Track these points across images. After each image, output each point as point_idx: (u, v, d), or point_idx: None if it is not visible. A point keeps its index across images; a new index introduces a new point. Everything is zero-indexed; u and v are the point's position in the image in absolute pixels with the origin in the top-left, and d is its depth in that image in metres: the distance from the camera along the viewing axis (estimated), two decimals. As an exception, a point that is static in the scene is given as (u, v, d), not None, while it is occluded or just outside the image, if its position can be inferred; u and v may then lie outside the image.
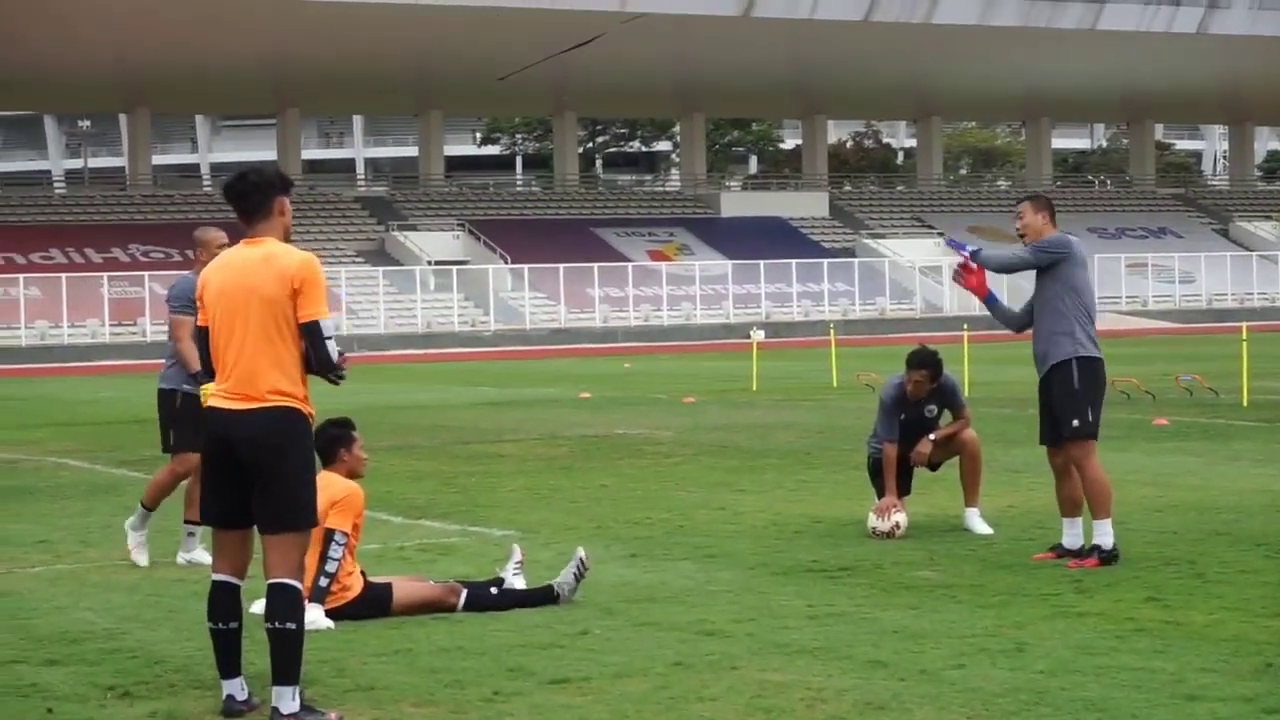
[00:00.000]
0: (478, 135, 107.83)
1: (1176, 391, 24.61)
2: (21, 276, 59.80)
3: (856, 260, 71.51)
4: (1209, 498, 13.24)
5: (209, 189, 78.01)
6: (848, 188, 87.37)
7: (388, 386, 32.66)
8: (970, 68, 72.92)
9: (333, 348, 6.96)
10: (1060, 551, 10.47)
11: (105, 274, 60.69)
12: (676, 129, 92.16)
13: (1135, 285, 73.23)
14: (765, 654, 7.97)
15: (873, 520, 11.61)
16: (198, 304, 7.19)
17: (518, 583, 9.47)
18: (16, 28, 56.87)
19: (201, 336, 7.16)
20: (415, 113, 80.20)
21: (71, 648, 8.46)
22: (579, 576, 9.38)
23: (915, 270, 70.47)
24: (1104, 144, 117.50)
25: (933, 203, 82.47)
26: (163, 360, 11.48)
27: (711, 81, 74.72)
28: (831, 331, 35.75)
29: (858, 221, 78.33)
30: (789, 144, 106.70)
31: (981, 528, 11.65)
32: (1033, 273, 10.57)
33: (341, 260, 66.47)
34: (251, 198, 7.07)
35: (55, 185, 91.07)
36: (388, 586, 9.17)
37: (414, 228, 70.85)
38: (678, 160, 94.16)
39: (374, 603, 9.04)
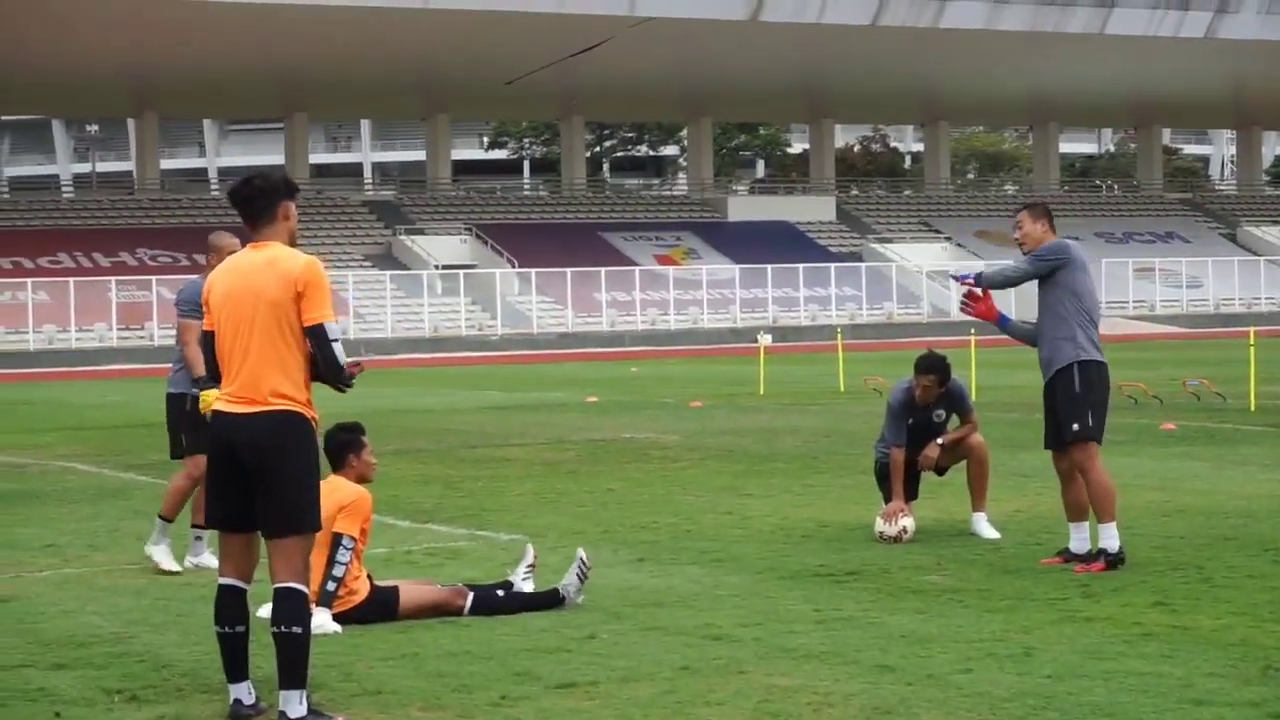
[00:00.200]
0: (485, 139, 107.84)
1: (1184, 396, 24.58)
2: (29, 280, 59.83)
3: (863, 265, 71.47)
4: (1216, 503, 13.23)
5: (217, 193, 78.03)
6: (855, 192, 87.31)
7: (394, 390, 32.66)
8: (977, 72, 72.86)
9: (339, 350, 6.97)
10: (1067, 556, 10.46)
11: (113, 278, 60.72)
12: (684, 133, 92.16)
13: (1142, 290, 73.16)
14: (772, 659, 7.97)
15: (880, 525, 11.60)
16: (204, 308, 7.20)
17: (526, 587, 9.47)
18: (24, 32, 56.92)
19: (206, 341, 7.18)
20: (423, 117, 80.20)
21: (79, 651, 8.47)
22: (582, 577, 9.39)
23: (922, 275, 70.41)
24: (1111, 149, 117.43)
25: (940, 207, 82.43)
26: (170, 364, 11.44)
27: (719, 86, 74.70)
28: (838, 336, 35.72)
29: (865, 226, 78.29)
30: (796, 148, 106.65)
31: (989, 532, 11.65)
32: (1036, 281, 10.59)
33: (349, 264, 66.49)
34: (256, 203, 7.09)
35: (63, 189, 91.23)
36: (394, 590, 9.18)
37: (421, 232, 70.87)
38: (685, 164, 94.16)
39: (381, 606, 9.05)
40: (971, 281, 10.71)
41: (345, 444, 9.30)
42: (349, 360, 7.10)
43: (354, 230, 71.49)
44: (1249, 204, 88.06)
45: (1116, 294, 69.91)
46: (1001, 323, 10.82)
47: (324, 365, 6.98)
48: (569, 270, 65.22)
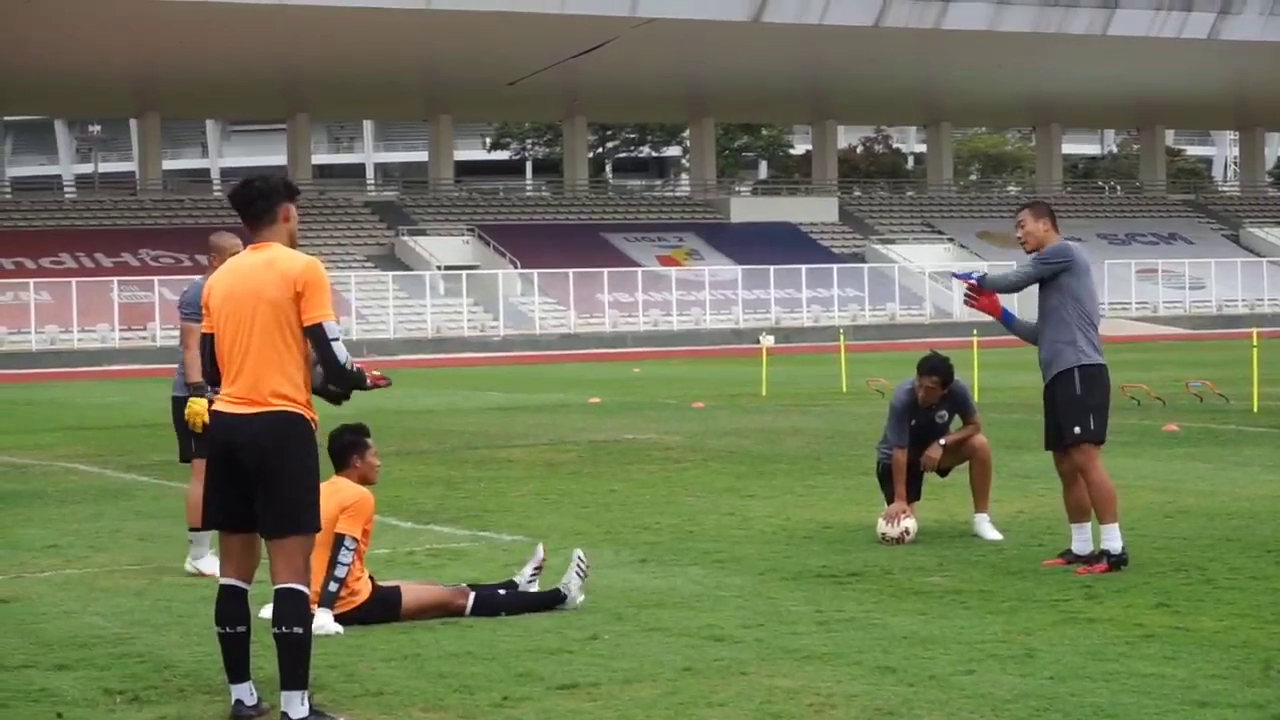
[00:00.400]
0: (488, 140, 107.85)
1: (1187, 397, 24.57)
2: (32, 281, 59.87)
3: (866, 266, 71.48)
4: (1219, 504, 13.22)
5: (219, 194, 78.04)
6: (857, 193, 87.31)
7: (396, 391, 32.56)
8: (980, 73, 72.84)
9: (339, 350, 6.97)
10: (1070, 557, 10.46)
11: (115, 279, 60.75)
12: (686, 134, 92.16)
13: (1145, 291, 73.15)
14: (774, 660, 7.96)
15: (882, 526, 11.60)
16: (204, 310, 7.20)
17: (532, 589, 9.47)
18: (26, 32, 56.94)
19: (206, 343, 7.17)
20: (425, 118, 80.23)
21: (80, 652, 8.47)
22: (582, 576, 9.39)
23: (925, 276, 70.40)
24: (1114, 150, 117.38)
25: (942, 208, 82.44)
26: (175, 366, 11.40)
27: (721, 87, 74.72)
28: (841, 337, 35.73)
29: (867, 227, 78.29)
30: (799, 149, 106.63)
31: (991, 533, 11.64)
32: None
33: (351, 265, 66.52)
34: (256, 204, 7.10)
35: (66, 190, 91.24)
36: (396, 590, 9.18)
37: (424, 232, 70.88)
38: (687, 165, 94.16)
39: (383, 606, 9.05)
40: (974, 281, 10.71)
41: (349, 445, 9.30)
42: (376, 374, 7.11)
43: (356, 231, 71.51)
44: (1252, 205, 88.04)
45: (1119, 295, 69.92)
46: (1006, 319, 10.83)
47: (323, 365, 6.97)
48: (571, 271, 65.23)
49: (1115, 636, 8.27)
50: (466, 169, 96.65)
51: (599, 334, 63.42)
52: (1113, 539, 10.25)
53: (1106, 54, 68.71)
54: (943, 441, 11.83)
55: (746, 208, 79.00)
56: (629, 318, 65.54)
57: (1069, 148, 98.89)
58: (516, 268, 66.76)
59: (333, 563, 8.86)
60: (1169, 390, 25.21)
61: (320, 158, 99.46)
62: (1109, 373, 10.53)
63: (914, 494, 11.95)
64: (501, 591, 9.31)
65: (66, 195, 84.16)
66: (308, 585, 6.96)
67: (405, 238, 70.18)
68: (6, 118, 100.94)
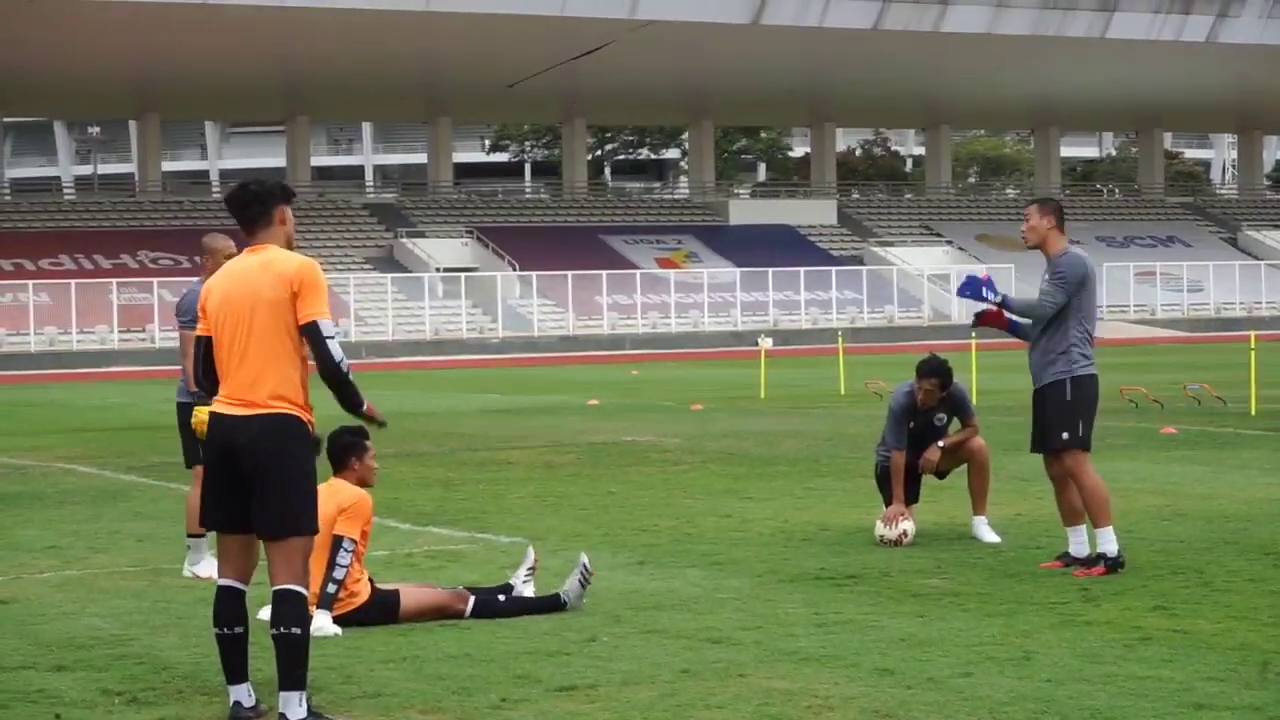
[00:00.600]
0: (487, 142, 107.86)
1: (1184, 400, 24.59)
2: (31, 283, 59.89)
3: (865, 268, 71.49)
4: (1216, 506, 13.23)
5: (218, 196, 78.03)
6: (856, 196, 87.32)
7: (395, 393, 32.66)
8: (979, 76, 72.87)
9: (334, 347, 6.97)
10: (1067, 560, 10.47)
11: (114, 280, 60.77)
12: (685, 136, 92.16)
13: (1143, 294, 73.17)
14: (772, 662, 7.97)
15: (880, 528, 11.61)
16: (200, 314, 7.20)
17: (527, 590, 9.47)
18: (26, 33, 56.94)
19: (203, 347, 7.15)
20: (424, 120, 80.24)
21: (79, 653, 8.47)
22: (584, 583, 9.38)
23: (923, 278, 70.43)
24: (1113, 152, 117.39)
25: (941, 211, 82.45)
26: (174, 367, 11.38)
27: (720, 89, 74.73)
28: (839, 339, 35.71)
29: (866, 229, 78.31)
30: (798, 152, 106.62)
31: (989, 536, 11.65)
32: (1040, 275, 10.57)
33: (350, 267, 66.52)
34: (252, 207, 7.12)
35: (65, 191, 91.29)
36: (395, 593, 9.18)
37: (423, 234, 70.90)
38: (686, 168, 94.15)
39: (381, 609, 9.05)
40: (996, 304, 10.60)
41: (348, 446, 9.30)
42: (376, 410, 7.13)
43: (355, 233, 71.52)
44: (1250, 208, 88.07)
45: (1117, 298, 69.94)
46: (1011, 327, 10.82)
47: (318, 363, 6.98)
48: (570, 273, 65.24)
49: (1113, 639, 8.28)
50: (465, 171, 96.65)
51: (598, 336, 63.44)
52: (1108, 542, 10.25)
53: (1105, 57, 68.74)
54: (941, 444, 11.83)
55: (745, 210, 79.03)
56: (628, 320, 65.56)
57: (1068, 150, 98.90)
58: (515, 270, 66.77)
59: (331, 564, 8.87)
60: (1167, 393, 25.22)
61: (319, 160, 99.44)
62: (1099, 381, 10.53)
63: (912, 496, 11.95)
64: (501, 597, 9.30)
65: (66, 197, 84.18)
66: (306, 587, 6.96)
67: (404, 240, 70.19)
68: (6, 119, 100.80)
